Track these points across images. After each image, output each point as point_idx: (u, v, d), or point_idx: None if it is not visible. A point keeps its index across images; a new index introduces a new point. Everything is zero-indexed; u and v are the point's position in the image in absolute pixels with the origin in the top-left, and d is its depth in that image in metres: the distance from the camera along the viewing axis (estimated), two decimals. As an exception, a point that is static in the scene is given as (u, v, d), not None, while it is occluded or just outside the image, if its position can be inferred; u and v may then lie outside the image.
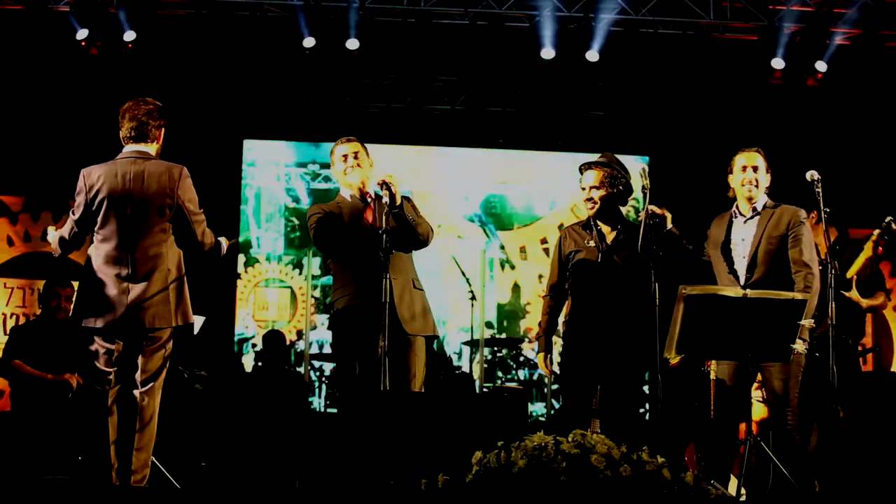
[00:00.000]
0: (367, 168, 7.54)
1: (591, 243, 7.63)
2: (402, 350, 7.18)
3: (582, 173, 7.79)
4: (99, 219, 6.84)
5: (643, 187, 7.29)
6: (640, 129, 14.66)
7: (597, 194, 7.65)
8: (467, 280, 12.27)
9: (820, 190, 7.28)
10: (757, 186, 7.48)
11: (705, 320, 6.67)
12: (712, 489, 5.44)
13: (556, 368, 7.87)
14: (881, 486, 6.34)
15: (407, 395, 6.82)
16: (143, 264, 6.78)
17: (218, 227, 7.37)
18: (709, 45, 13.68)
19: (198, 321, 8.48)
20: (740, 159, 7.59)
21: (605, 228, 7.68)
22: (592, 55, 13.35)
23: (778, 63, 13.36)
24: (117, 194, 6.82)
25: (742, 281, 7.30)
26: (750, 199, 7.47)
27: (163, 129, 7.14)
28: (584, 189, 7.73)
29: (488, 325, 14.97)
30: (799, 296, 6.78)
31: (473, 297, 12.19)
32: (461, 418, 5.99)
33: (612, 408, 7.46)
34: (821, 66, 13.36)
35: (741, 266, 7.37)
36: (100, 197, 6.83)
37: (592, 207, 7.66)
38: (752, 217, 7.46)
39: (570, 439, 5.29)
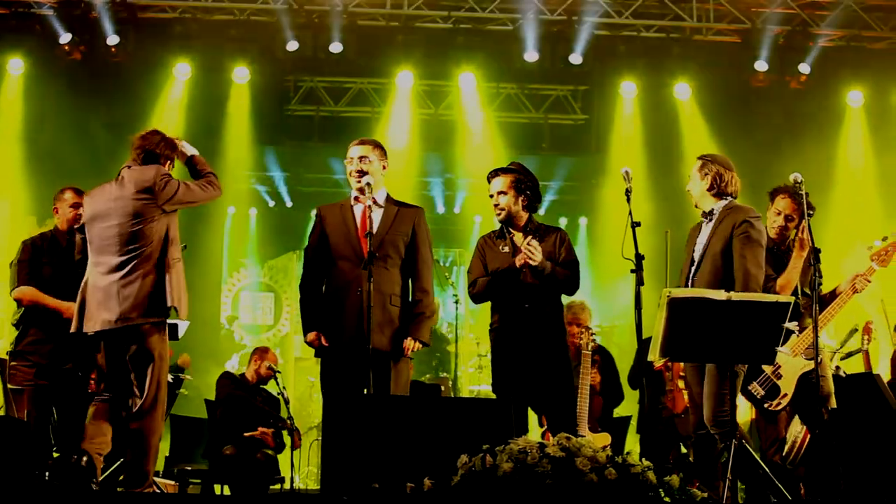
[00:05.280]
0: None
1: (506, 249, 7.68)
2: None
3: (490, 181, 7.83)
4: None
5: (626, 190, 7.29)
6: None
7: (503, 200, 7.70)
8: (451, 284, 12.25)
9: (804, 192, 7.28)
10: (692, 192, 7.44)
11: (689, 323, 6.65)
12: (698, 492, 5.44)
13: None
14: (866, 488, 6.34)
15: (392, 399, 6.80)
16: None
17: (205, 228, 7.36)
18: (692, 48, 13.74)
19: (182, 326, 8.44)
20: None
21: (518, 235, 7.73)
22: (576, 58, 13.38)
23: (761, 65, 13.40)
24: None
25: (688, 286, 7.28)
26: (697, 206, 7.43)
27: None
28: (491, 196, 7.77)
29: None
30: (783, 299, 6.77)
31: (457, 301, 12.17)
32: (446, 423, 5.98)
33: (551, 419, 7.59)
34: (804, 68, 13.41)
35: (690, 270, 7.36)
36: None
37: (500, 213, 7.71)
38: (708, 221, 7.41)
39: (555, 442, 5.29)
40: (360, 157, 7.46)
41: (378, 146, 7.57)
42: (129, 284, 6.93)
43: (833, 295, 8.06)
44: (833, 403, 7.87)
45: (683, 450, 9.29)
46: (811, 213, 7.33)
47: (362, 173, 7.42)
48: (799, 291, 7.78)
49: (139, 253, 6.97)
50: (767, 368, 7.72)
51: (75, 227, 8.40)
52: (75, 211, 8.41)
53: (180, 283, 7.10)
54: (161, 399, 7.03)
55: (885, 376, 9.10)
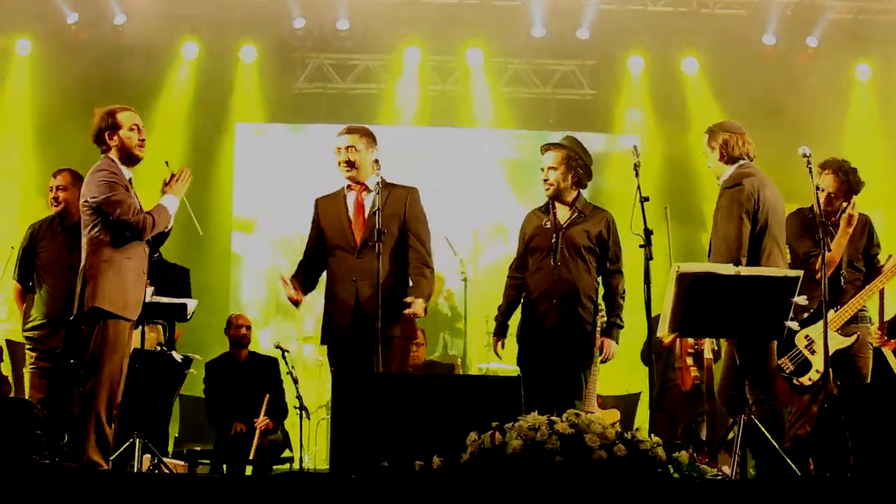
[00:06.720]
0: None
1: (548, 224, 7.68)
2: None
3: (542, 154, 7.81)
4: None
5: (635, 164, 7.28)
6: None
7: (553, 176, 7.70)
8: (460, 260, 12.22)
9: (812, 166, 7.26)
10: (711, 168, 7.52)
11: (698, 298, 6.64)
12: (707, 468, 5.45)
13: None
14: (875, 464, 6.33)
15: (400, 377, 6.82)
16: None
17: (213, 209, 7.33)
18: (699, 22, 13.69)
19: (190, 305, 8.45)
20: None
21: (562, 209, 7.73)
22: (583, 33, 13.36)
23: (769, 39, 13.36)
24: None
25: None
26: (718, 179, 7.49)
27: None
28: (542, 170, 7.78)
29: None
30: (791, 273, 6.75)
31: (465, 279, 12.13)
32: (455, 401, 5.98)
33: (559, 395, 7.45)
34: (812, 41, 13.36)
35: None
36: None
37: (548, 188, 7.70)
38: None
39: (564, 419, 5.29)
40: (347, 147, 7.51)
41: (365, 134, 7.57)
42: None
43: (877, 271, 8.01)
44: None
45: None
46: (818, 186, 7.33)
47: (350, 164, 7.48)
48: (844, 266, 7.77)
49: None
50: (801, 343, 7.67)
51: (56, 209, 8.46)
52: (51, 194, 8.49)
53: None
54: None
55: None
